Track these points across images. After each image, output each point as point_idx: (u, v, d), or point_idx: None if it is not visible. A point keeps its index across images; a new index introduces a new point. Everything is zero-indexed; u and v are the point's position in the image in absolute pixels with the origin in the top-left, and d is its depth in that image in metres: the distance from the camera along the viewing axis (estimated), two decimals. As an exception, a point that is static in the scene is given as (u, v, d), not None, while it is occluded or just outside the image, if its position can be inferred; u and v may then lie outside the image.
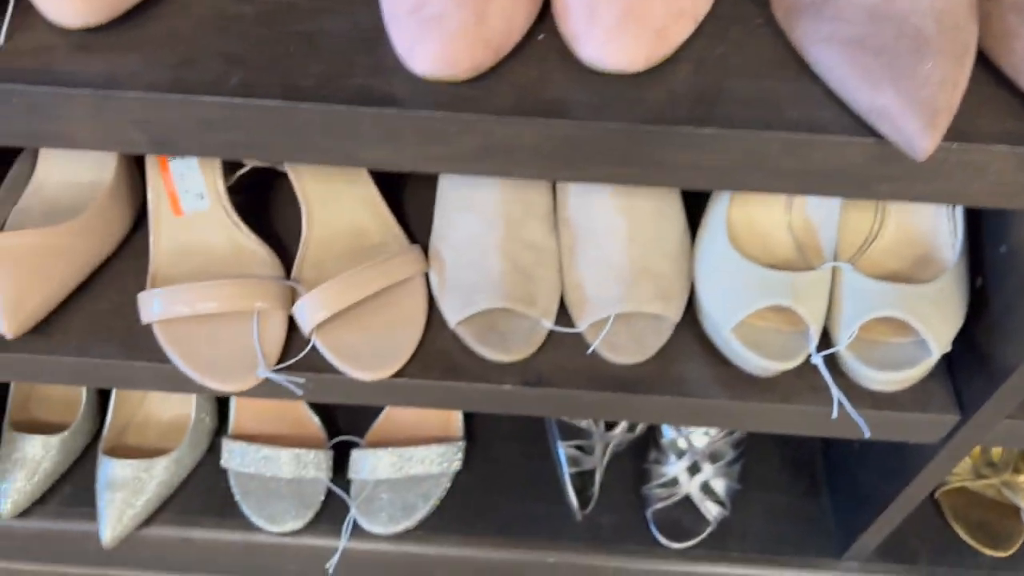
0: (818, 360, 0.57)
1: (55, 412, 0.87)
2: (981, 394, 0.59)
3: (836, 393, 0.58)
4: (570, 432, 0.83)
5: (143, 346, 0.61)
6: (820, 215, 0.62)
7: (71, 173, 0.68)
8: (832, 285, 0.59)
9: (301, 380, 0.59)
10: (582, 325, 0.62)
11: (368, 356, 0.60)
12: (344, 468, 0.84)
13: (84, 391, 0.86)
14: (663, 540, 0.82)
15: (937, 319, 0.56)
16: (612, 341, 0.61)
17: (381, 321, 0.62)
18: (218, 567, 0.88)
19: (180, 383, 0.61)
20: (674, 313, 0.61)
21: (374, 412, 0.87)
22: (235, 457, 0.83)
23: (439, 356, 0.62)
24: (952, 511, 0.85)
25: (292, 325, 0.62)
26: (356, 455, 0.83)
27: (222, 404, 0.89)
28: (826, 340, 0.59)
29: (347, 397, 0.63)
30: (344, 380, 0.61)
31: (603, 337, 0.61)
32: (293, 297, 0.62)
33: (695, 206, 0.65)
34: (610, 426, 0.85)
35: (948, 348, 0.57)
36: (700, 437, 0.82)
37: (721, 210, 0.62)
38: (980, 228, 0.60)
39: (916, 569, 0.83)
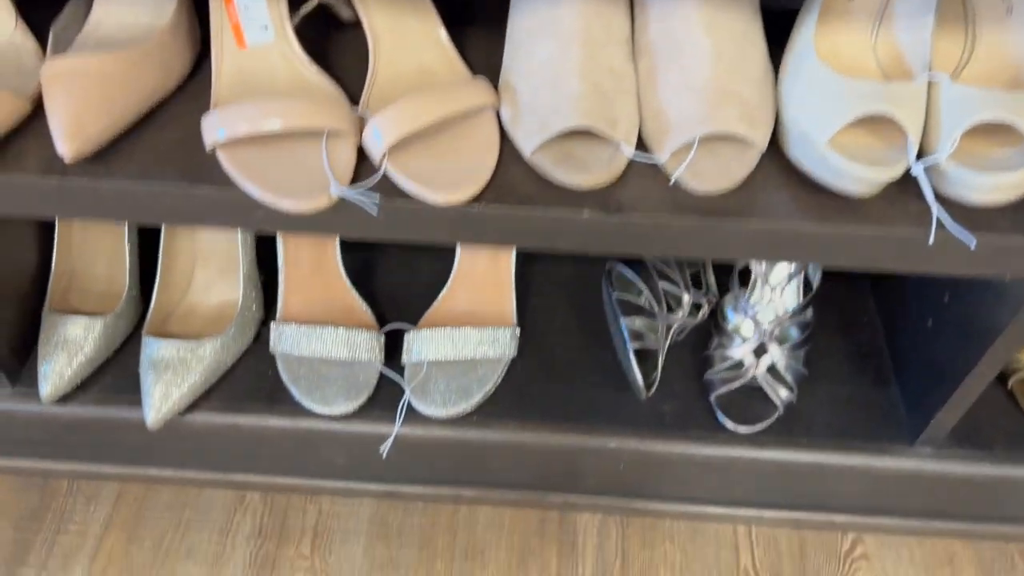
0: (919, 170, 0.54)
1: (96, 303, 0.84)
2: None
3: (935, 208, 0.55)
4: (632, 310, 0.80)
5: (207, 174, 0.59)
6: (908, 40, 0.60)
7: (128, 15, 0.65)
8: (928, 102, 0.57)
9: (376, 196, 0.57)
10: (664, 154, 0.59)
11: (443, 180, 0.58)
12: (397, 357, 0.82)
13: (127, 276, 0.83)
14: (729, 424, 0.79)
15: (1043, 122, 0.53)
16: (696, 169, 0.59)
17: (454, 149, 0.60)
18: (264, 462, 0.85)
19: (245, 213, 0.59)
20: (760, 139, 0.59)
21: (425, 303, 0.85)
22: (285, 339, 0.80)
23: (514, 187, 0.60)
24: (1026, 400, 0.82)
25: (360, 159, 0.60)
26: (410, 336, 0.81)
27: (268, 296, 0.86)
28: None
29: (419, 231, 0.60)
30: (417, 209, 0.58)
31: (687, 164, 0.58)
32: (361, 128, 0.60)
33: (772, 44, 0.63)
34: (672, 308, 0.82)
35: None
36: (767, 314, 0.79)
37: (808, 34, 0.59)
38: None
39: (992, 455, 0.80)
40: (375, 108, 0.61)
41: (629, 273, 0.83)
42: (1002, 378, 0.84)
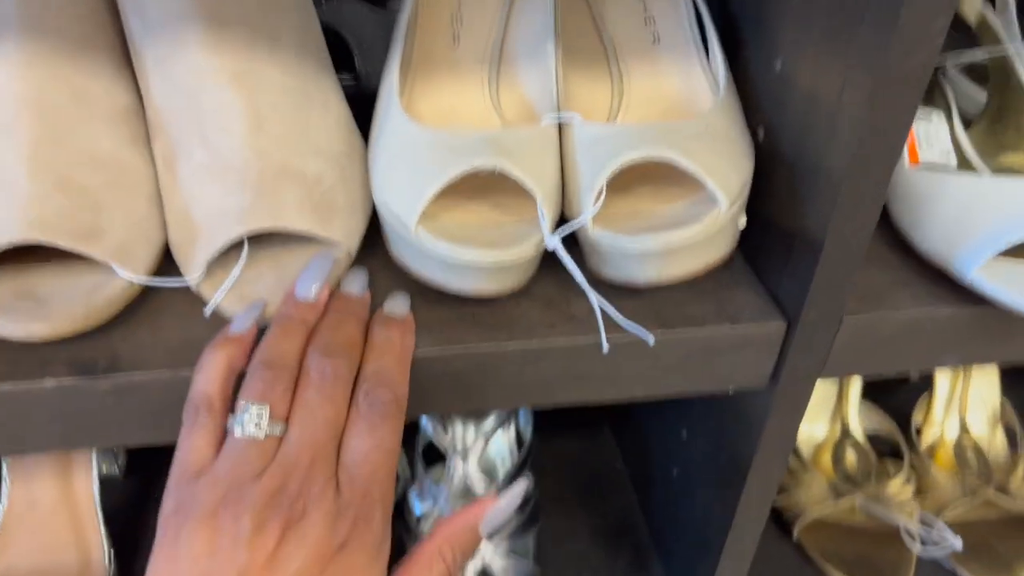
0: (554, 242, 0.36)
1: None
2: (801, 289, 0.39)
3: (593, 296, 0.36)
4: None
5: None
6: (534, 86, 0.43)
7: None
8: (564, 152, 0.39)
9: None
10: (193, 272, 0.38)
11: None
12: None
13: None
14: (435, 669, 0.54)
15: (712, 156, 0.37)
16: (243, 292, 0.38)
17: None
18: None
19: None
20: (340, 234, 0.39)
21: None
22: None
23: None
24: (819, 550, 0.64)
25: None
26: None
27: None
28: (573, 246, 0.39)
29: None
30: None
31: (226, 288, 0.37)
32: None
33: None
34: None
35: (739, 199, 0.37)
36: (460, 497, 0.57)
37: (391, 83, 0.41)
38: (749, 54, 0.43)
39: (792, 637, 0.59)
40: None
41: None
42: (787, 528, 0.65)
